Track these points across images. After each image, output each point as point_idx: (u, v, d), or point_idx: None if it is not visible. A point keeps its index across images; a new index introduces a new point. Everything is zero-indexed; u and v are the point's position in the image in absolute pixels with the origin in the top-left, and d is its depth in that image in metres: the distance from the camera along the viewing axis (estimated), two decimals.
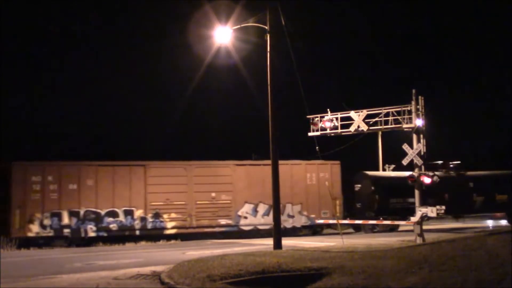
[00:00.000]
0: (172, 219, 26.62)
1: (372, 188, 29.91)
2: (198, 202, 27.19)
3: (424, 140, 22.60)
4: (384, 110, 23.70)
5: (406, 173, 23.70)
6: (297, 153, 30.41)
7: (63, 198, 25.01)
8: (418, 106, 22.79)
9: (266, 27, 19.81)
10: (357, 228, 30.14)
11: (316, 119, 25.07)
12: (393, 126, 23.61)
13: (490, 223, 33.82)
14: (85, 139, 42.84)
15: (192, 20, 32.14)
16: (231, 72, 35.81)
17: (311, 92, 23.25)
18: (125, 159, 27.32)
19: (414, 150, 22.37)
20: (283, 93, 25.39)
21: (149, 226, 26.24)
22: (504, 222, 32.64)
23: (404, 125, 23.14)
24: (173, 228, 26.69)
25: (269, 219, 25.29)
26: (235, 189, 27.84)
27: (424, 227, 22.16)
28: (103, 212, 25.55)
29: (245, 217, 27.86)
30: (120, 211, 25.89)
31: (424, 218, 22.30)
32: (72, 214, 25.06)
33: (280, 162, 26.03)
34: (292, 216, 28.33)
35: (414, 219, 22.37)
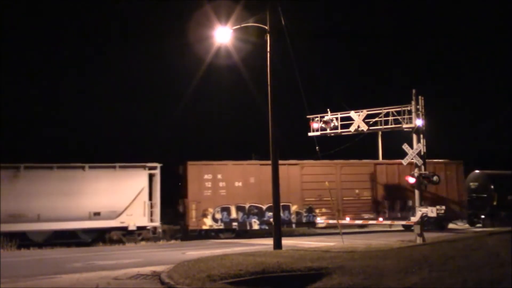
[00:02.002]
0: (322, 214, 28.49)
1: (492, 186, 31.70)
2: (344, 198, 29.32)
3: (424, 140, 22.59)
4: (384, 110, 23.70)
5: None
6: (297, 153, 30.49)
7: (230, 194, 27.47)
8: (418, 106, 22.77)
9: (266, 27, 19.79)
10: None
11: (316, 119, 25.07)
12: (393, 126, 23.60)
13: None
14: (82, 141, 42.83)
15: (192, 20, 32.16)
16: (231, 72, 35.83)
17: (311, 92, 23.25)
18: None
19: (414, 150, 22.35)
20: (283, 93, 25.38)
21: (304, 220, 28.40)
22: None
23: (404, 125, 23.13)
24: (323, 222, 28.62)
25: (404, 214, 29.16)
26: (376, 186, 29.74)
27: None
28: (264, 207, 27.70)
29: (384, 212, 29.54)
30: (263, 207, 28.00)
31: (424, 218, 22.30)
32: (239, 209, 27.54)
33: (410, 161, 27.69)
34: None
35: (414, 219, 22.38)
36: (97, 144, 41.82)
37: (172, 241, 26.43)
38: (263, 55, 20.02)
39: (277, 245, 19.02)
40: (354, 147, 25.80)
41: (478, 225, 31.78)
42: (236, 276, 12.65)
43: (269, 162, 27.67)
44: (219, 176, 27.46)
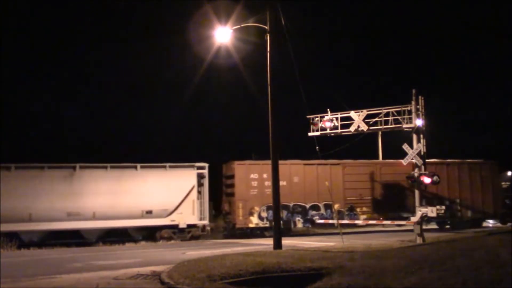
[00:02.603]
0: (363, 213, 29.31)
1: None
2: (391, 197, 30.15)
3: (424, 140, 22.59)
4: (384, 110, 23.69)
5: None
6: (297, 153, 30.57)
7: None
8: (418, 106, 22.77)
9: (266, 27, 19.79)
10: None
11: (316, 119, 25.05)
12: (393, 126, 23.60)
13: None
14: (81, 142, 42.81)
15: (192, 20, 32.17)
16: (231, 72, 35.85)
17: (311, 92, 23.26)
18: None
19: (414, 150, 22.36)
20: (283, 93, 25.41)
21: (345, 218, 28.84)
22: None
23: (404, 125, 23.13)
24: (363, 220, 29.30)
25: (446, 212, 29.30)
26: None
27: None
28: (308, 206, 28.81)
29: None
30: (321, 205, 29.11)
31: (424, 218, 22.30)
32: (284, 207, 27.66)
33: (449, 161, 31.10)
34: (460, 211, 31.14)
35: (414, 219, 22.38)
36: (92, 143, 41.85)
37: (172, 241, 26.44)
38: (263, 55, 20.01)
39: (277, 245, 19.01)
40: (354, 147, 25.80)
41: (510, 224, 32.29)
42: (236, 276, 12.64)
43: (313, 162, 29.39)
44: (265, 176, 28.01)
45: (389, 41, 61.65)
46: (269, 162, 27.94)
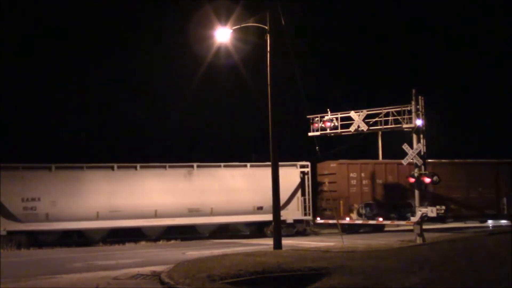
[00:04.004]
0: (451, 211, 29.92)
1: None
2: (470, 196, 31.15)
3: (424, 140, 22.60)
4: (384, 110, 23.71)
5: None
6: (297, 153, 30.50)
7: (372, 191, 29.43)
8: (418, 106, 22.78)
9: (266, 27, 19.79)
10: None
11: (316, 119, 25.08)
12: (393, 126, 23.61)
13: (490, 223, 33.99)
14: (80, 141, 42.70)
15: (192, 20, 32.15)
16: (231, 72, 35.81)
17: (311, 92, 23.30)
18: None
19: (414, 150, 22.37)
20: (283, 93, 25.44)
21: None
22: (504, 222, 32.91)
23: (404, 125, 23.14)
24: (451, 217, 30.57)
25: None
26: (496, 185, 31.70)
27: None
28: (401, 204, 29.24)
29: (503, 208, 31.59)
30: (412, 203, 29.26)
31: (424, 218, 22.31)
32: (379, 205, 29.02)
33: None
34: None
35: (414, 219, 22.39)
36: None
37: (172, 241, 26.46)
38: (263, 55, 20.01)
39: (277, 245, 19.01)
40: (354, 147, 25.79)
41: None
42: (236, 276, 12.65)
43: (397, 161, 29.24)
44: (363, 175, 29.33)
45: (389, 41, 61.59)
46: (368, 161, 30.12)
